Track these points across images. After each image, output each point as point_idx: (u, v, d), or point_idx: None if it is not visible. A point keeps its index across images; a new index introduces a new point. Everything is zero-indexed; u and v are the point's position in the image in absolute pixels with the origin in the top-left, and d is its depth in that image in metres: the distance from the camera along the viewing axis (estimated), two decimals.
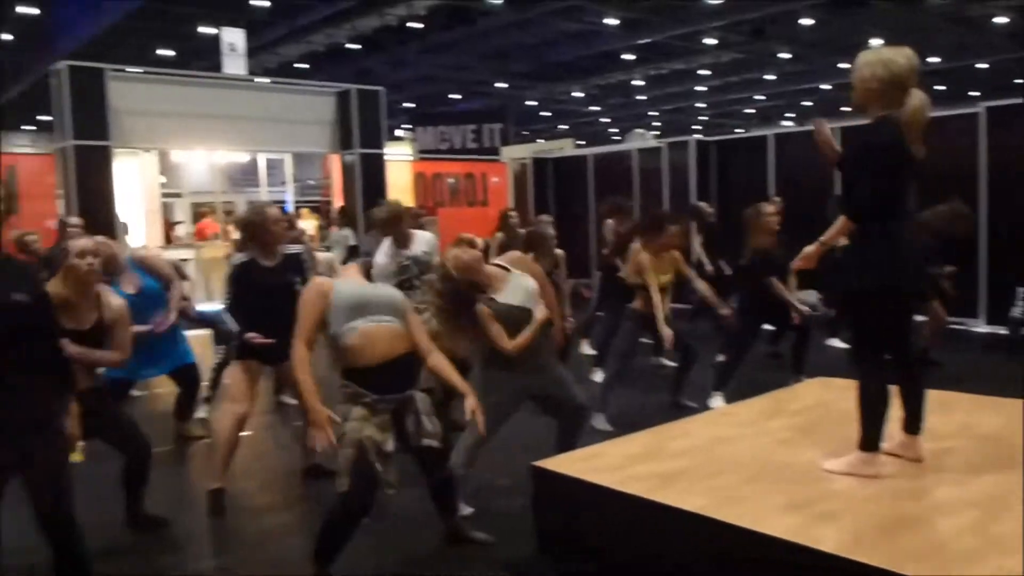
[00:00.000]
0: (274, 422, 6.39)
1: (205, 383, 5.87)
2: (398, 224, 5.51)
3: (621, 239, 7.00)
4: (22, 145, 26.38)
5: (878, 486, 3.18)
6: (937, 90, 26.42)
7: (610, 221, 8.31)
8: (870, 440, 3.26)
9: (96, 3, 17.48)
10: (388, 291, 3.68)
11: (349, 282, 3.56)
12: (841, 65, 23.70)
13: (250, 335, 4.41)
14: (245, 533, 4.37)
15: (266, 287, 4.51)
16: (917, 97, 3.22)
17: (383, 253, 5.53)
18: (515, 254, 4.75)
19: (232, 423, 4.52)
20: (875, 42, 18.50)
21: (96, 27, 18.18)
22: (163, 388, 6.45)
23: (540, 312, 4.02)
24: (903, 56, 3.13)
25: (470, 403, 3.46)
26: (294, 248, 4.76)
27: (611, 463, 3.60)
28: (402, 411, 3.45)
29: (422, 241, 5.59)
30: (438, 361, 3.54)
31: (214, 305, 6.82)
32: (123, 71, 10.92)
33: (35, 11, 18.31)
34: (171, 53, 21.39)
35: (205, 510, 4.49)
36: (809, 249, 3.45)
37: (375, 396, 3.35)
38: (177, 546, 4.12)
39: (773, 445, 3.79)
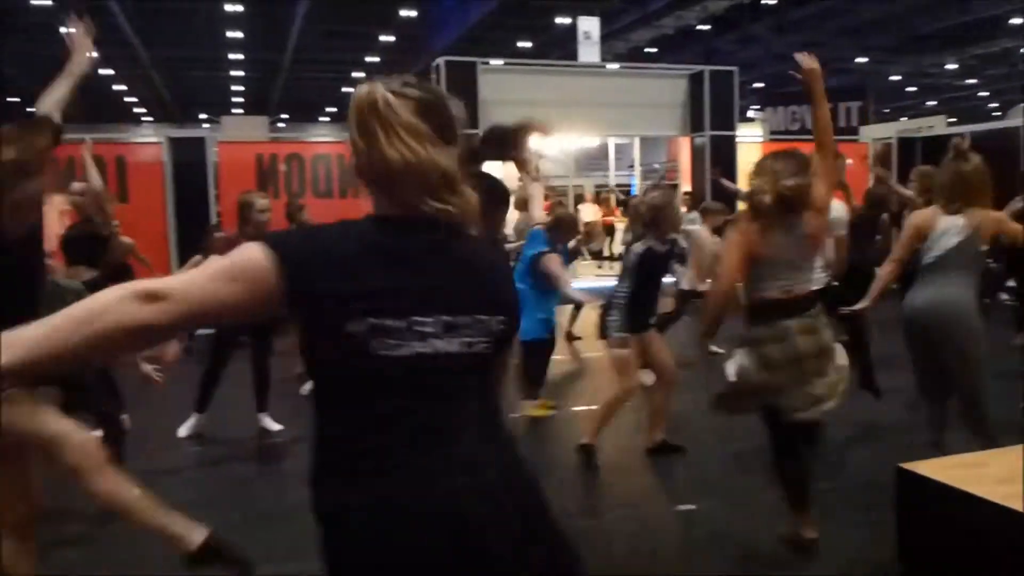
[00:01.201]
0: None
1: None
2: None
3: None
4: None
5: None
6: None
7: None
8: None
9: (465, 2, 19.04)
10: None
11: None
12: None
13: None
14: (608, 495, 4.64)
15: (656, 274, 4.99)
16: None
17: None
18: None
19: (618, 395, 4.94)
20: None
21: (464, 25, 19.82)
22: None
23: None
24: None
25: None
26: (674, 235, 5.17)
27: (995, 474, 3.25)
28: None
29: None
30: None
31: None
32: (489, 64, 11.79)
33: (413, 13, 20.37)
34: (529, 45, 22.68)
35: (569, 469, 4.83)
36: None
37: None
38: None
39: None
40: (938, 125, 16.01)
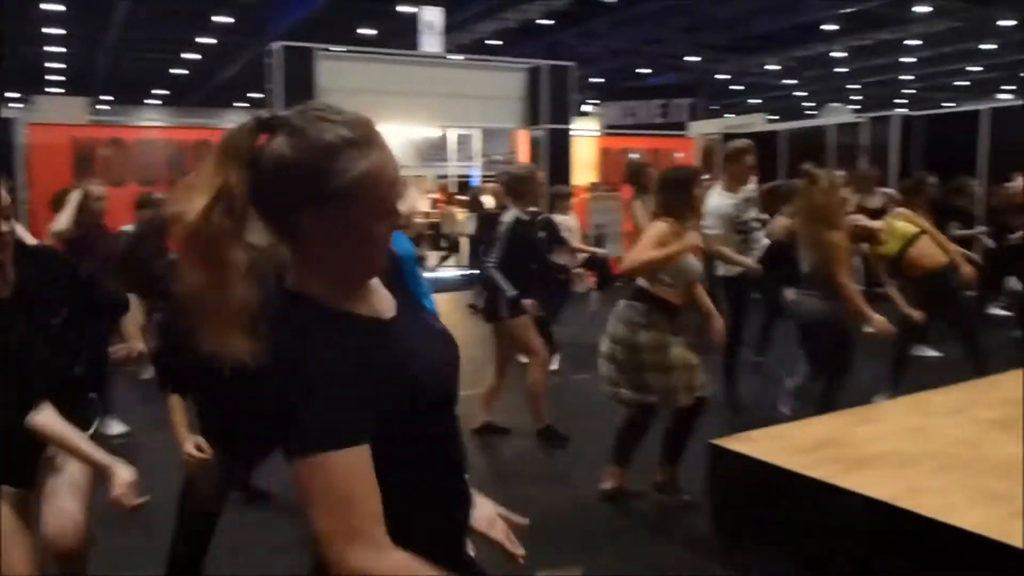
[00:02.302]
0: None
1: None
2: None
3: None
4: (236, 122, 28.44)
5: None
6: None
7: None
8: None
9: None
10: None
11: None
12: None
13: (526, 303, 5.03)
14: None
15: (530, 242, 5.16)
16: None
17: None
18: None
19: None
20: None
21: (306, 9, 19.31)
22: None
23: None
24: None
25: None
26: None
27: (794, 445, 3.53)
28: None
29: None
30: None
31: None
32: (328, 50, 11.56)
33: None
34: (372, 32, 22.36)
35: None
36: None
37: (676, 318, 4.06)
38: None
39: (969, 436, 3.60)
40: (758, 122, 17.05)
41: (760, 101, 34.69)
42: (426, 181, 17.66)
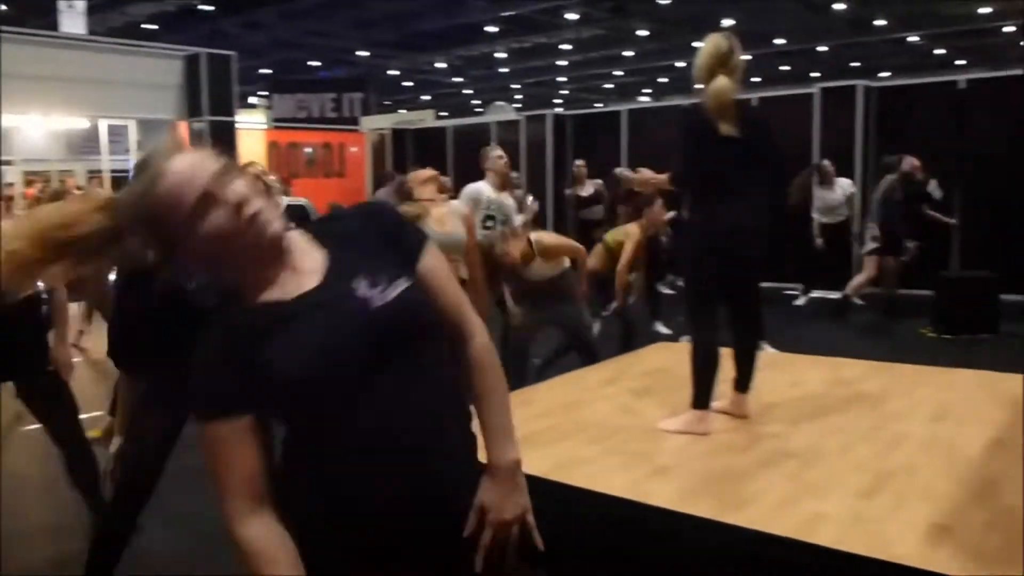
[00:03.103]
0: None
1: None
2: None
3: None
4: None
5: (708, 442, 3.36)
6: (782, 71, 27.72)
7: None
8: (701, 399, 3.46)
9: None
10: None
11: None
12: (696, 44, 24.34)
13: None
14: None
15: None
16: (716, 81, 3.37)
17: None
18: None
19: None
20: (726, 23, 19.16)
21: None
22: None
23: None
24: (709, 42, 3.41)
25: None
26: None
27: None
28: None
29: None
30: None
31: None
32: None
33: None
34: (3, 8, 19.85)
35: None
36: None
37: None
38: None
39: (615, 408, 3.93)
40: (428, 118, 17.52)
41: (431, 98, 35.64)
42: (75, 177, 16.05)
